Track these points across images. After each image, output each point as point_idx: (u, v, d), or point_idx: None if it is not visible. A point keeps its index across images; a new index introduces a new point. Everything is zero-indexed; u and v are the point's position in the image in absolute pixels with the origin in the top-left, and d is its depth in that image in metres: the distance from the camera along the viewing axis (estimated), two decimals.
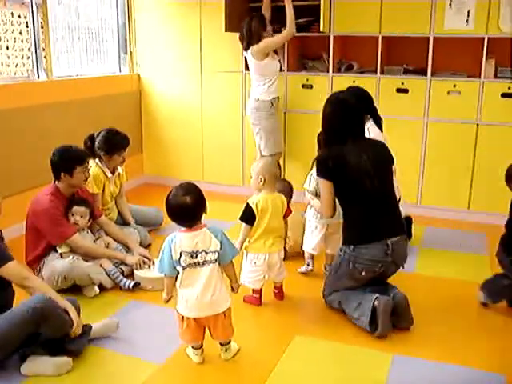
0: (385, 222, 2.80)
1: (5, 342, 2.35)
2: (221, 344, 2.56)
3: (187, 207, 2.35)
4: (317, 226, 3.34)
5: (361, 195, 2.78)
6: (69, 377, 2.42)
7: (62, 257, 3.22)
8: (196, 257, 2.36)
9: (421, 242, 3.97)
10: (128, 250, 3.52)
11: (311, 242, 3.40)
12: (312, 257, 3.48)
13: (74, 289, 3.00)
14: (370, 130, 3.40)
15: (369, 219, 2.78)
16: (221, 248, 2.40)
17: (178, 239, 2.39)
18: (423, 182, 4.59)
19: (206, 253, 2.38)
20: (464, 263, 3.71)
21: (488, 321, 2.95)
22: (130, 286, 3.21)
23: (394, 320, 2.78)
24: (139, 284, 3.24)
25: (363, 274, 2.80)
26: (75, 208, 3.29)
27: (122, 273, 3.32)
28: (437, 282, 3.36)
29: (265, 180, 2.95)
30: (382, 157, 2.89)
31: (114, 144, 3.72)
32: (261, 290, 3.07)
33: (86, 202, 3.38)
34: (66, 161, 3.21)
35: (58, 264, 3.16)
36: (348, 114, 2.85)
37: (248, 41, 4.29)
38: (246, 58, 4.52)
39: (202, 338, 2.52)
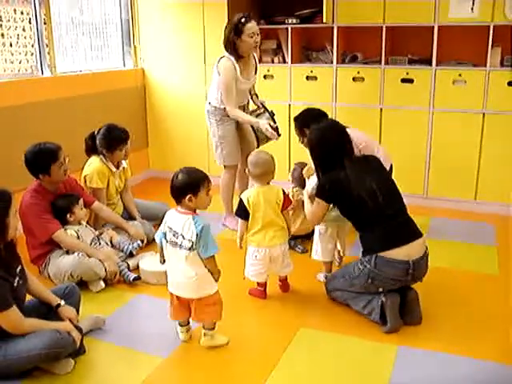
0: (400, 228, 2.75)
1: (12, 372, 2.34)
2: (202, 327, 2.64)
3: (175, 182, 2.48)
4: (327, 228, 3.14)
5: (369, 214, 2.73)
6: (73, 372, 2.44)
7: (67, 253, 3.24)
8: (176, 237, 2.47)
9: (427, 233, 3.94)
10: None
11: (321, 249, 3.18)
12: (329, 264, 3.24)
13: (79, 284, 3.01)
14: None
15: (384, 231, 2.72)
16: (197, 241, 2.42)
17: (168, 214, 2.56)
18: (429, 173, 4.56)
19: (183, 237, 2.45)
20: (471, 254, 3.69)
21: (495, 311, 2.93)
22: (131, 279, 3.24)
23: (404, 316, 2.76)
24: (139, 278, 3.27)
25: (380, 290, 2.74)
26: (74, 207, 3.33)
27: (128, 267, 3.35)
28: (444, 273, 3.34)
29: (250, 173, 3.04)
30: (380, 170, 2.87)
31: (112, 140, 3.71)
32: (265, 283, 3.07)
33: (74, 195, 3.38)
34: (40, 161, 3.17)
35: (64, 261, 3.19)
36: (338, 136, 2.84)
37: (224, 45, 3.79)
38: None
39: (184, 317, 2.63)
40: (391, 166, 3.62)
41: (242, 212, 2.96)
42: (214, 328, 2.60)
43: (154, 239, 3.82)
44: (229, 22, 3.81)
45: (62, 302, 2.55)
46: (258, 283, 3.08)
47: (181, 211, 2.50)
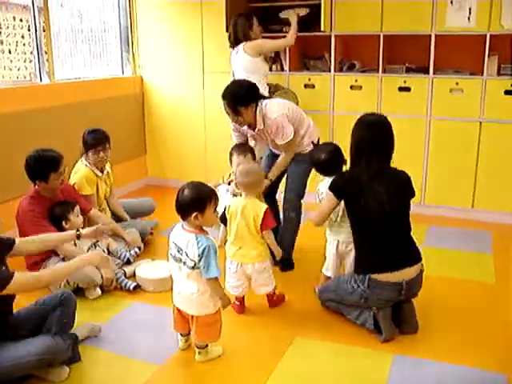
0: (398, 250, 2.71)
1: (7, 379, 2.32)
2: (195, 346, 2.59)
3: (180, 198, 2.40)
4: (330, 241, 3.05)
5: (371, 223, 2.68)
6: (68, 380, 2.43)
7: (64, 260, 3.24)
8: (181, 254, 2.42)
9: (424, 241, 3.94)
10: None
11: (326, 262, 3.10)
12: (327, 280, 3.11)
13: (75, 291, 3.01)
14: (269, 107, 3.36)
15: (380, 248, 2.68)
16: (199, 261, 2.37)
17: (174, 229, 2.50)
18: (426, 181, 4.57)
19: (187, 256, 2.40)
20: (468, 263, 3.69)
21: (491, 320, 2.93)
22: (131, 287, 3.23)
23: (400, 326, 2.76)
24: (140, 286, 3.26)
25: (373, 308, 2.72)
26: (70, 215, 3.32)
27: (125, 274, 3.36)
28: (440, 281, 3.34)
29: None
30: (400, 191, 2.75)
31: (86, 142, 3.73)
32: (243, 297, 3.00)
33: (70, 203, 3.37)
34: (40, 168, 3.17)
35: None
36: (378, 135, 2.76)
37: (235, 36, 4.22)
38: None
39: (185, 330, 2.61)
40: (318, 139, 3.53)
41: (222, 217, 2.93)
42: (206, 346, 2.57)
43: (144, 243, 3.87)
44: (236, 22, 4.20)
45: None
46: (235, 296, 2.99)
47: (185, 229, 2.43)
